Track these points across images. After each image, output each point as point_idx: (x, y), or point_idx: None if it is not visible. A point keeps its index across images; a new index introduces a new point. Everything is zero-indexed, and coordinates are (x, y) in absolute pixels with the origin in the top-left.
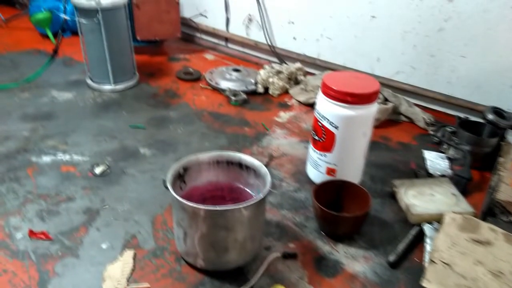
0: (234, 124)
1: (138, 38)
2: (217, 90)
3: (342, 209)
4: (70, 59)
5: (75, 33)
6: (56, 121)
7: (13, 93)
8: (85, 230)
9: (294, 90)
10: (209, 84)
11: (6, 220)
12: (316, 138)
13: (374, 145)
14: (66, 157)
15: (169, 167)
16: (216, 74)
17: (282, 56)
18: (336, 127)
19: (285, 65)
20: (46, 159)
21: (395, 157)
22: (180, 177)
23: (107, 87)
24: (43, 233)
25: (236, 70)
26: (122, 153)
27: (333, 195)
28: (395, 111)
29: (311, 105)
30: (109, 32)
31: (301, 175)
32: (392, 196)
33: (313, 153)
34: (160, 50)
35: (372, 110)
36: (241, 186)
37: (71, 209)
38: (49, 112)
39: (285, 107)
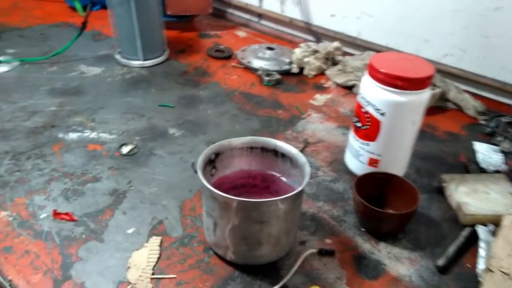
0: (267, 106)
1: (169, 12)
2: (249, 69)
3: (385, 204)
4: (99, 33)
5: (104, 6)
6: (84, 97)
7: (42, 67)
8: (111, 213)
9: (331, 71)
10: (241, 63)
11: (30, 198)
12: (359, 125)
13: (419, 134)
14: (93, 135)
15: (198, 149)
16: (248, 52)
17: (319, 35)
18: (382, 114)
19: (322, 44)
20: (73, 136)
21: (442, 148)
22: (211, 163)
23: (136, 62)
24: (67, 214)
25: (270, 49)
26: (150, 133)
27: (375, 189)
28: (443, 97)
29: (349, 88)
30: (138, 6)
31: (339, 164)
32: (440, 192)
33: (354, 141)
34: (191, 26)
35: (424, 97)
36: (276, 175)
37: (97, 189)
38: (77, 87)
39: (322, 89)
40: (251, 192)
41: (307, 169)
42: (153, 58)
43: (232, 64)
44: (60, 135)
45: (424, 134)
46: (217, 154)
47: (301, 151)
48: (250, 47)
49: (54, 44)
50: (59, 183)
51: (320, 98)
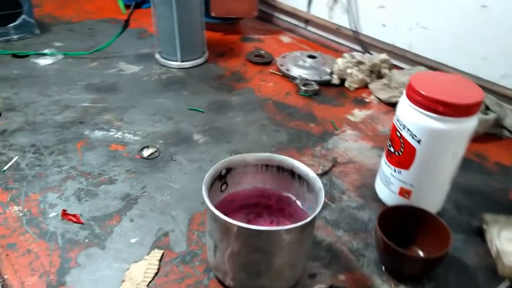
0: (299, 118)
1: (213, 14)
2: (287, 77)
3: (413, 242)
4: (145, 31)
5: None
6: (118, 95)
7: (84, 62)
8: (118, 219)
9: (375, 85)
10: (279, 70)
11: (44, 195)
12: (392, 150)
13: (464, 163)
14: (118, 135)
15: (220, 158)
16: (288, 59)
17: (366, 45)
18: (418, 141)
19: (368, 55)
20: (98, 134)
21: (490, 183)
22: (222, 178)
23: (174, 63)
24: (75, 216)
25: (312, 57)
26: (174, 137)
27: (403, 224)
28: (498, 123)
29: (393, 105)
30: (180, 6)
31: (367, 190)
32: (480, 234)
33: (386, 167)
34: (234, 29)
35: (469, 126)
36: (292, 197)
37: (110, 192)
38: (113, 84)
39: (362, 103)
40: (265, 213)
41: (321, 197)
42: (191, 60)
43: (270, 70)
44: (86, 132)
45: (470, 164)
46: (229, 170)
47: (328, 171)
48: (291, 54)
49: (100, 39)
50: (75, 182)
51: (358, 114)
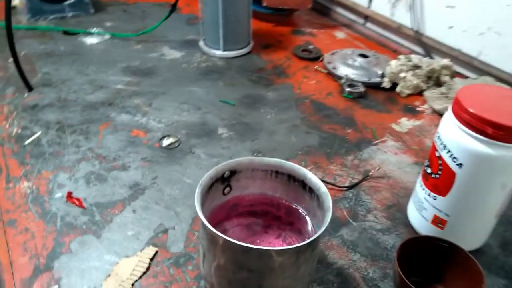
0: (336, 122)
1: (265, 4)
2: (332, 75)
3: (439, 282)
4: (195, 17)
5: None
6: (153, 79)
7: (129, 44)
8: (121, 208)
9: (431, 93)
10: (326, 67)
11: (56, 174)
12: (429, 171)
13: None
14: (143, 120)
15: (240, 156)
16: (337, 57)
17: (429, 48)
18: (459, 165)
19: (427, 59)
20: (124, 117)
21: None
22: (224, 180)
23: (216, 52)
24: (78, 200)
25: (363, 56)
26: (198, 129)
27: (429, 258)
28: None
29: None
30: None
31: (398, 212)
32: None
33: (420, 190)
34: (287, 21)
35: None
36: (301, 211)
37: (120, 179)
38: (151, 68)
39: (412, 112)
40: (274, 225)
41: (327, 218)
42: (234, 50)
43: (316, 67)
44: (112, 115)
45: None
46: (233, 172)
47: (356, 184)
48: (342, 51)
49: (150, 22)
50: (88, 164)
51: (405, 124)
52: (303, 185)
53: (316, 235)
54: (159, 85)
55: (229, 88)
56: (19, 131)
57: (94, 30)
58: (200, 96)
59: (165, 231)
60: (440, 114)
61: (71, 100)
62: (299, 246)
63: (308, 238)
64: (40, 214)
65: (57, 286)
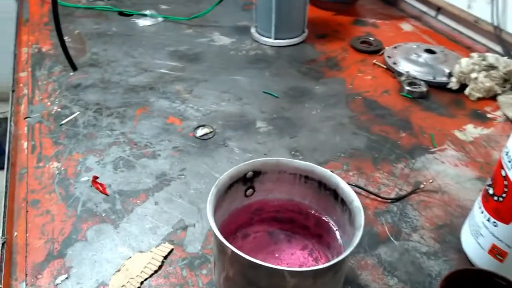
0: (389, 123)
1: None
2: (392, 71)
3: None
4: (250, 3)
5: None
6: (198, 65)
7: (180, 27)
8: (144, 198)
9: (506, 99)
10: (385, 62)
11: (85, 157)
12: (491, 192)
13: None
14: (181, 107)
15: (275, 153)
16: (400, 51)
17: (510, 46)
18: None
19: (505, 58)
20: (162, 103)
21: None
22: (246, 181)
23: (268, 40)
24: (102, 185)
25: (430, 51)
26: (236, 120)
27: None
28: None
29: None
30: None
31: (449, 234)
32: None
33: (478, 213)
34: (349, 9)
35: None
36: (331, 224)
37: (148, 167)
38: (197, 54)
39: (481, 119)
40: (299, 235)
41: (355, 238)
42: (287, 38)
43: (374, 61)
44: (152, 99)
45: None
46: (257, 173)
47: (404, 197)
48: (406, 45)
49: (204, 6)
50: (119, 149)
51: (472, 131)
52: (335, 194)
53: (339, 259)
54: (203, 71)
55: (275, 79)
56: (59, 110)
57: (148, 12)
58: (243, 86)
59: (185, 228)
60: None
61: (114, 81)
62: (316, 270)
63: (338, 256)
64: (63, 196)
65: (66, 275)
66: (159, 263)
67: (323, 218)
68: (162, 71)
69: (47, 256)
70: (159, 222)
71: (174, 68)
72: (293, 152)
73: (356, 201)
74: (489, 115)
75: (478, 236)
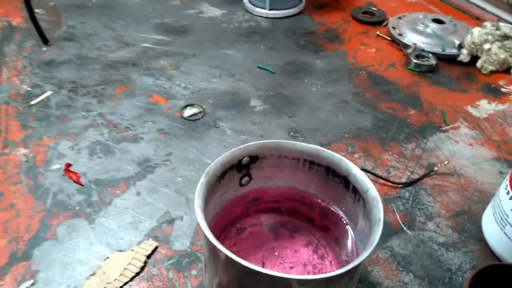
0: (396, 100)
1: None
2: (397, 43)
3: None
4: None
5: None
6: (186, 39)
7: None
8: (124, 188)
9: None
10: (390, 33)
11: (58, 142)
12: None
13: None
14: (166, 85)
15: (272, 135)
16: (405, 21)
17: None
18: None
19: None
20: (146, 80)
21: None
22: (242, 168)
23: (262, 11)
24: (76, 174)
25: (438, 21)
26: (228, 98)
27: None
28: None
29: None
30: None
31: (468, 222)
32: None
33: (505, 198)
34: None
35: None
36: (341, 215)
37: (129, 152)
38: (185, 27)
39: (495, 93)
40: (302, 228)
41: (375, 236)
42: (282, 9)
43: (377, 32)
44: (134, 76)
45: None
46: (255, 158)
47: (416, 181)
48: (412, 15)
49: None
50: (96, 132)
51: (485, 107)
52: (345, 182)
53: (356, 263)
54: (191, 46)
55: (270, 53)
56: (29, 89)
57: None
58: (236, 61)
59: (171, 221)
60: None
61: (92, 57)
62: (330, 277)
63: (347, 253)
64: (31, 188)
65: (32, 281)
66: (142, 264)
67: (331, 209)
68: (146, 45)
69: (10, 259)
70: (142, 215)
71: (159, 42)
72: (292, 133)
73: (372, 190)
74: (503, 89)
75: (505, 225)
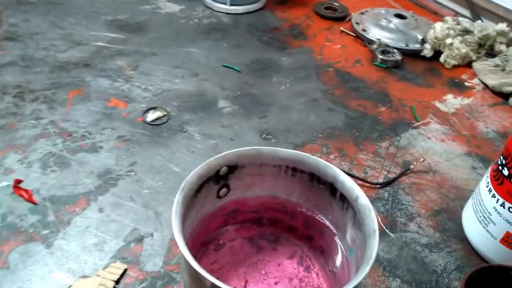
0: (366, 97)
1: None
2: (362, 39)
3: None
4: None
5: None
6: (142, 37)
7: None
8: (84, 205)
9: (482, 65)
10: (354, 29)
11: (4, 155)
12: (505, 173)
13: None
14: (125, 87)
15: (244, 137)
16: (368, 17)
17: (479, 10)
18: None
19: (479, 22)
20: (101, 83)
21: None
22: (220, 179)
23: (222, 6)
24: (27, 192)
25: (400, 17)
26: (194, 100)
27: None
28: None
29: (505, 96)
30: None
31: (449, 220)
32: None
33: (487, 196)
34: None
35: None
36: (327, 224)
37: (87, 164)
38: (140, 23)
39: (460, 88)
40: (285, 239)
41: (371, 250)
42: (243, 4)
43: (341, 28)
44: (88, 79)
45: None
46: (233, 168)
47: (394, 180)
48: (374, 10)
49: None
50: (48, 142)
51: (452, 102)
52: (331, 189)
53: (356, 282)
54: (149, 44)
55: (234, 51)
56: None
57: None
58: (199, 59)
59: (140, 239)
60: (493, 92)
61: (38, 58)
62: None
63: (334, 264)
64: None
65: None
66: None
67: (316, 218)
68: (99, 44)
69: None
70: (106, 234)
71: (114, 40)
72: (264, 135)
73: (362, 198)
74: (466, 84)
75: (488, 224)
